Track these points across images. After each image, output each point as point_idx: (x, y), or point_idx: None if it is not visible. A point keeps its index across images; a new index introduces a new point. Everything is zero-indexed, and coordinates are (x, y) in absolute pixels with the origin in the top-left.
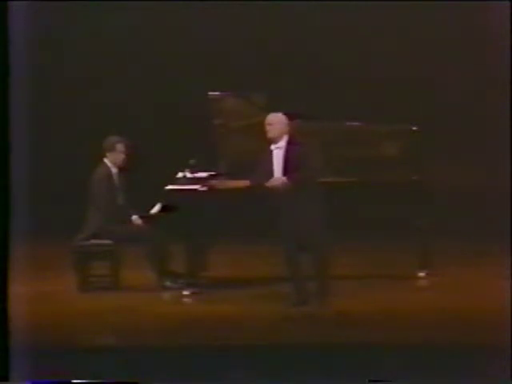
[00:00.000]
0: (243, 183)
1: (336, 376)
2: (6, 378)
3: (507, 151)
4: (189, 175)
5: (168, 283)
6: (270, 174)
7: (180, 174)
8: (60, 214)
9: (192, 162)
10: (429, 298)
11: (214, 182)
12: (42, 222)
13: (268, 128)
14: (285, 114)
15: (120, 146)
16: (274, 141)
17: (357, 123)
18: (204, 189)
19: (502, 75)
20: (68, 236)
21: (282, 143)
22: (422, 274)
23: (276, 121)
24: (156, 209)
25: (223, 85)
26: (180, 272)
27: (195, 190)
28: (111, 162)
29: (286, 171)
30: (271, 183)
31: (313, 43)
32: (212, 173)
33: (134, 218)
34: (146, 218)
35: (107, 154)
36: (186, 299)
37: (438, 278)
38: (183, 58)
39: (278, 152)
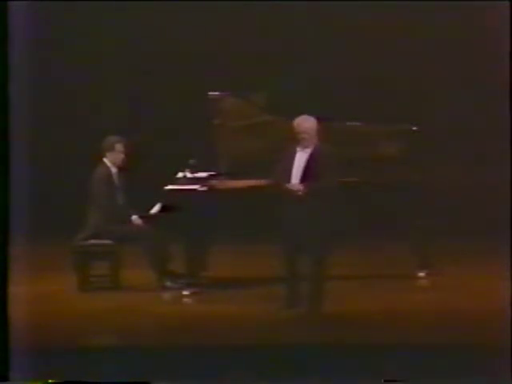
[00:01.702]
0: (243, 183)
1: (336, 376)
2: (6, 378)
3: (507, 151)
4: (189, 175)
5: (168, 283)
6: (288, 176)
7: (180, 174)
8: (60, 214)
9: (192, 161)
10: (429, 297)
11: (213, 182)
12: (41, 221)
13: (300, 133)
14: (316, 118)
15: (119, 146)
16: (305, 146)
17: (357, 123)
18: (204, 189)
19: (502, 75)
20: (68, 236)
21: (309, 149)
22: (421, 274)
23: (309, 126)
24: (156, 209)
25: (223, 85)
26: (180, 272)
27: (195, 189)
28: (111, 161)
29: (304, 177)
30: (287, 188)
31: (313, 43)
32: (212, 173)
33: (134, 218)
34: (146, 217)
35: (107, 154)
36: (185, 299)
37: (438, 277)
38: (183, 57)
39: (301, 155)
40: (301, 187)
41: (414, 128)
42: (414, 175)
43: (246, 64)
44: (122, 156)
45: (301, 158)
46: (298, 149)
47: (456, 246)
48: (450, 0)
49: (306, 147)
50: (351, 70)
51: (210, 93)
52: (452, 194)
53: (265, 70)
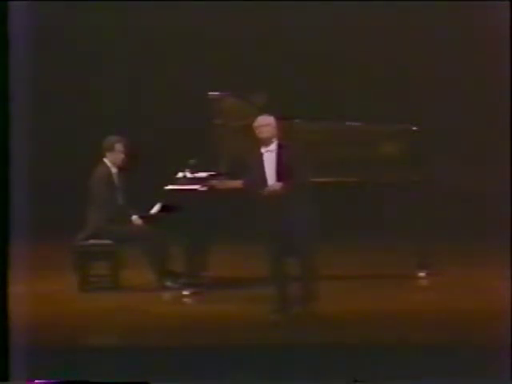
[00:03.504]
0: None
1: (336, 376)
2: (6, 378)
3: (507, 151)
4: (189, 175)
5: (168, 283)
6: (263, 177)
7: (180, 174)
8: (60, 214)
9: (192, 162)
10: (429, 298)
11: (214, 182)
12: (41, 221)
13: (261, 130)
14: (273, 116)
15: (119, 146)
16: (266, 143)
17: (357, 123)
18: (204, 189)
19: (502, 75)
20: (68, 236)
21: (273, 146)
22: (422, 274)
23: (267, 123)
24: (156, 209)
25: (223, 85)
26: (180, 272)
27: (195, 189)
28: (111, 161)
29: (279, 175)
30: (270, 189)
31: (313, 43)
32: (212, 173)
33: (134, 218)
34: (146, 218)
35: (107, 154)
36: (185, 299)
37: (438, 277)
38: (183, 57)
39: (269, 155)
40: (282, 186)
41: (414, 128)
42: (413, 175)
43: (246, 64)
44: (121, 156)
45: (269, 159)
46: (262, 150)
47: (456, 245)
48: (450, 0)
49: (268, 145)
50: (351, 70)
51: (210, 93)
52: (452, 194)
53: (265, 70)
